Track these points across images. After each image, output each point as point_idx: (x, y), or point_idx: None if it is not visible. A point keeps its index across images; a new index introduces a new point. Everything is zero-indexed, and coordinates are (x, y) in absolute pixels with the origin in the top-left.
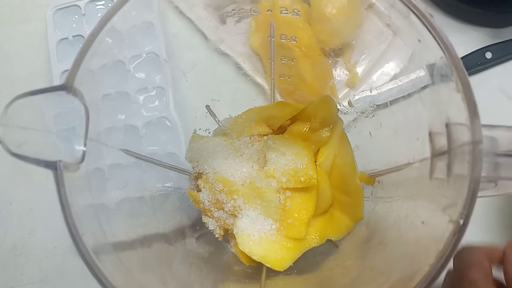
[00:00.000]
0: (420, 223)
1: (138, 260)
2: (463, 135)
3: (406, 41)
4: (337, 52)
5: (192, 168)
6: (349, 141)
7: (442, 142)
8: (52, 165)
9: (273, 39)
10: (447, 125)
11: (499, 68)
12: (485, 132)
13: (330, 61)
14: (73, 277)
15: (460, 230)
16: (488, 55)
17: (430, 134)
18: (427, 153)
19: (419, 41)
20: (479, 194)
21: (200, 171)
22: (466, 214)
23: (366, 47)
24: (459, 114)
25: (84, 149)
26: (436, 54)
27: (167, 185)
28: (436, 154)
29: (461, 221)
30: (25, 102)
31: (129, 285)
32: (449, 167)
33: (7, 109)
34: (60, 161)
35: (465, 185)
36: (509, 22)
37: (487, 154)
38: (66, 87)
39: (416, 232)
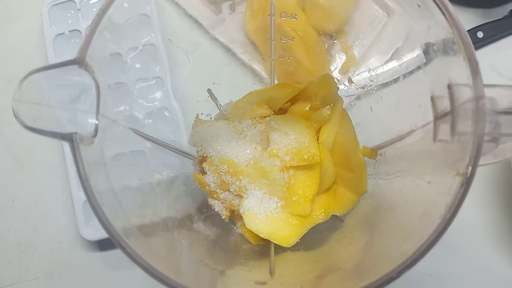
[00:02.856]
0: (426, 183)
1: (156, 242)
2: (466, 94)
3: (406, 8)
4: (333, 35)
5: (196, 152)
6: (350, 118)
7: (444, 104)
8: (68, 137)
9: (273, 17)
10: (449, 86)
11: (490, 47)
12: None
13: (326, 45)
14: (79, 271)
15: (467, 180)
16: (480, 34)
17: (432, 99)
18: (430, 118)
19: (419, 6)
20: (480, 162)
21: (204, 155)
22: (473, 165)
23: (361, 30)
24: (461, 73)
25: (97, 122)
26: (436, 18)
27: (172, 170)
28: (438, 117)
29: (469, 172)
30: (38, 78)
31: (148, 255)
32: (452, 126)
33: (21, 85)
34: (75, 133)
35: (470, 140)
36: (499, 2)
37: (488, 112)
38: (78, 62)
39: (423, 192)
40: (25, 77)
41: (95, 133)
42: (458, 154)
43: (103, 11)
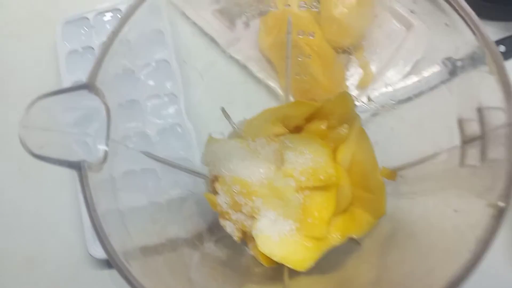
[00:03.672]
0: (452, 211)
1: (161, 263)
2: (497, 118)
3: (431, 26)
4: (349, 51)
5: (209, 171)
6: (368, 137)
7: (473, 128)
8: (75, 165)
9: (290, 36)
10: (479, 110)
11: None
12: None
13: (342, 60)
14: None
15: (501, 212)
16: (502, 48)
17: (460, 122)
18: (456, 141)
19: (447, 25)
20: None
21: (216, 174)
22: (507, 195)
23: (378, 45)
24: (492, 97)
25: (107, 148)
26: (466, 37)
27: (183, 190)
28: (467, 141)
29: (502, 204)
30: (47, 103)
31: (154, 282)
32: (483, 152)
33: (29, 110)
34: (84, 161)
35: (503, 168)
36: None
37: None
38: (88, 86)
39: (449, 221)
40: (33, 102)
41: (104, 160)
42: (488, 182)
43: (114, 34)
